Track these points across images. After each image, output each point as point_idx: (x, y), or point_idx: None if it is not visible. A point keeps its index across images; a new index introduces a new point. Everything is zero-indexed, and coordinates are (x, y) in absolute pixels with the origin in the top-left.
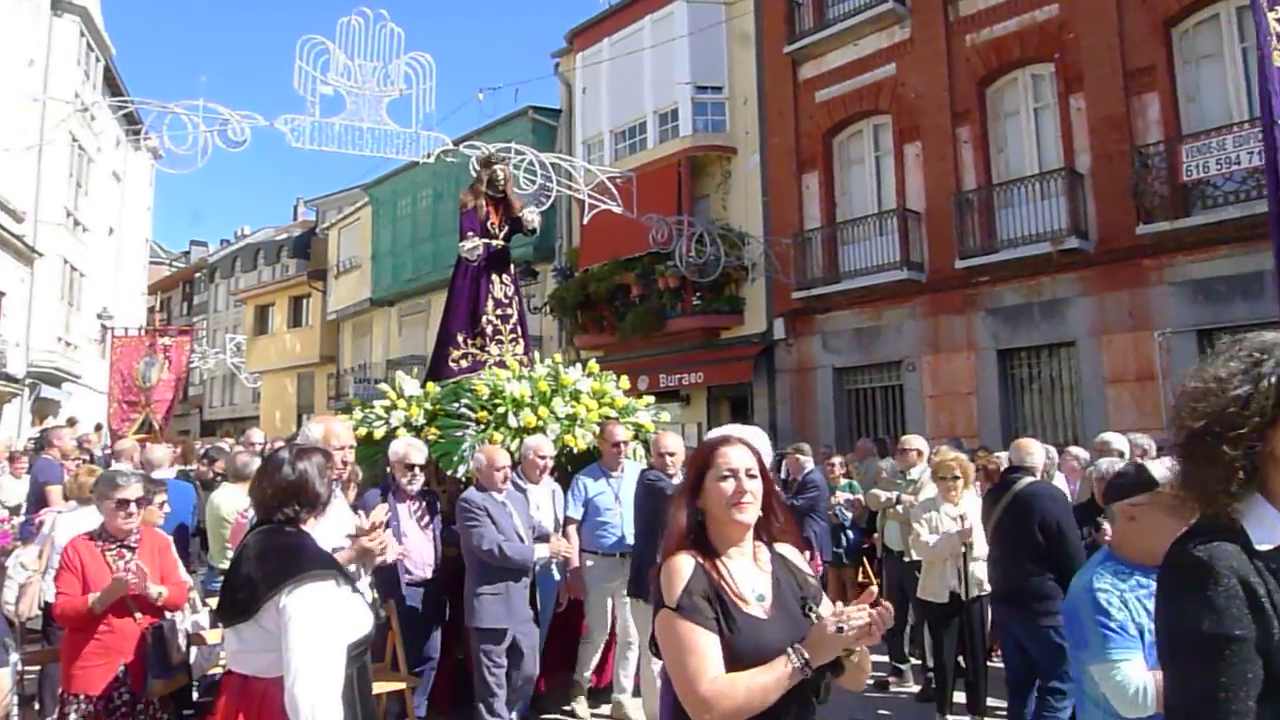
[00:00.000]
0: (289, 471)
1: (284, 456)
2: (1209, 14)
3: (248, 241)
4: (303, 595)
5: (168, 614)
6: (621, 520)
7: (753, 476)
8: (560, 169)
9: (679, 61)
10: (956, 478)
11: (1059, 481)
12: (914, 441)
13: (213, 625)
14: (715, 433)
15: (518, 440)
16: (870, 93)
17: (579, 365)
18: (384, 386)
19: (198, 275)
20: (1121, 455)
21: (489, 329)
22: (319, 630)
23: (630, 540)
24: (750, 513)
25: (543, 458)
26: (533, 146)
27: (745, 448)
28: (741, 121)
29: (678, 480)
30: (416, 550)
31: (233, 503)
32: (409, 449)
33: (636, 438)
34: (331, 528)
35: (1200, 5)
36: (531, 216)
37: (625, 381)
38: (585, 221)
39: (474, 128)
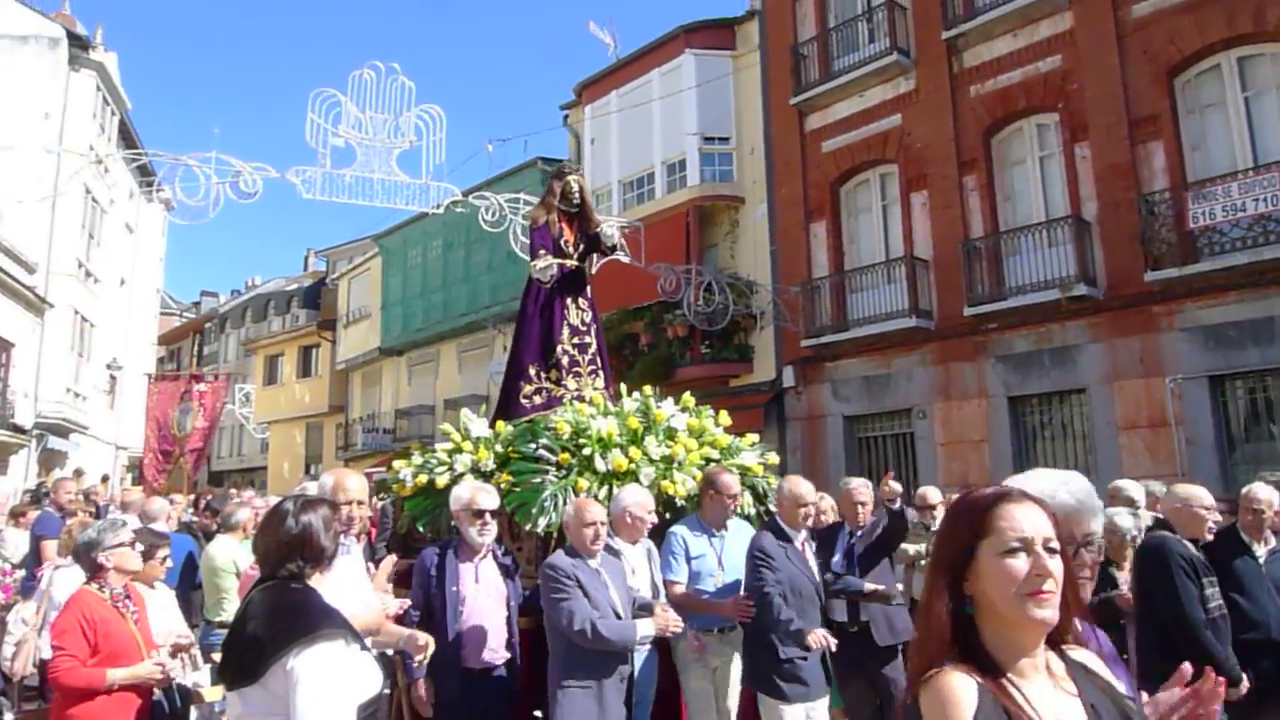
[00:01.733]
0: (293, 524)
1: (288, 509)
2: (1210, 64)
3: (258, 292)
4: (312, 657)
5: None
6: (725, 590)
7: (1053, 551)
8: None
9: (687, 113)
10: None
11: None
12: (932, 495)
13: (213, 683)
14: (991, 492)
15: (606, 487)
16: (877, 143)
17: (671, 400)
18: (446, 427)
19: (208, 325)
20: (1134, 503)
21: (565, 360)
22: (329, 693)
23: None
24: (1053, 608)
25: (644, 516)
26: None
27: (1038, 508)
28: (749, 171)
29: (802, 538)
30: (484, 622)
31: (227, 554)
32: (476, 492)
33: (742, 483)
34: (342, 585)
35: (1201, 55)
36: (611, 232)
37: (726, 417)
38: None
39: (483, 178)
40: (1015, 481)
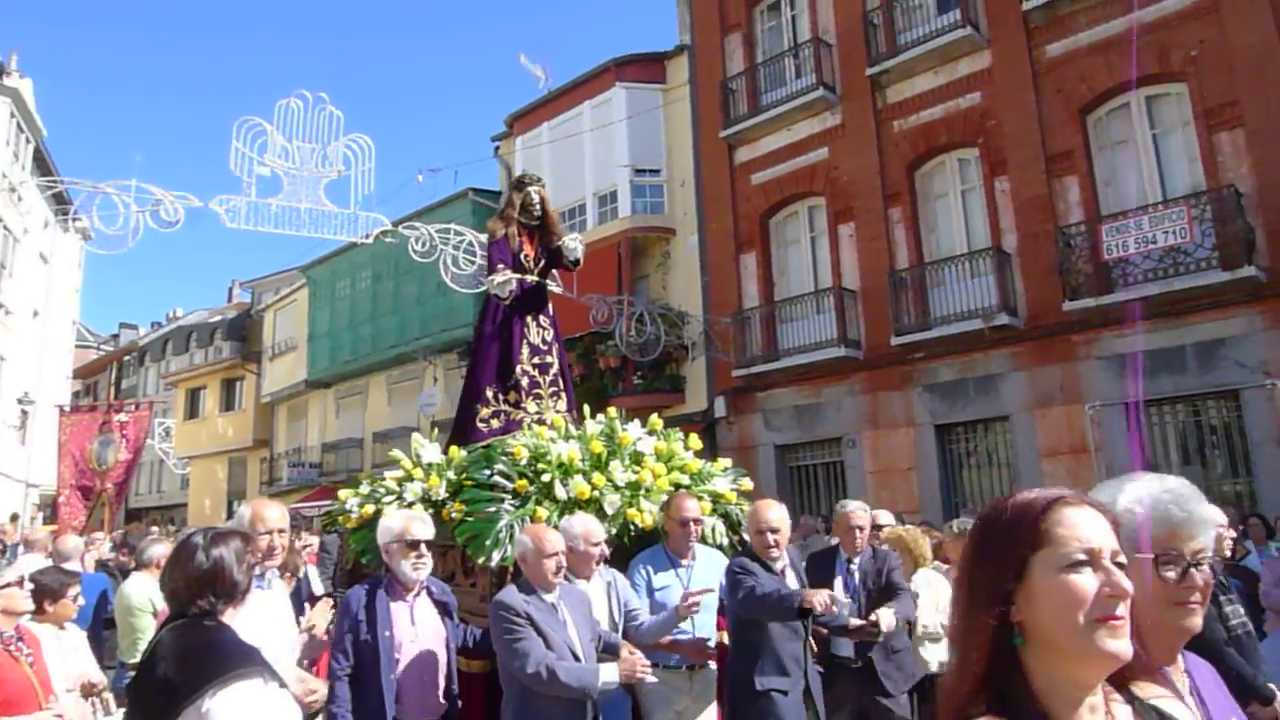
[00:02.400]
0: (202, 559)
1: (197, 542)
2: (1120, 103)
3: (180, 324)
4: (229, 698)
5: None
6: (693, 625)
7: (1121, 567)
8: None
9: (618, 145)
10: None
11: None
12: (883, 517)
13: None
14: (1042, 494)
15: (567, 516)
16: (804, 175)
17: (636, 422)
18: (396, 454)
19: (127, 358)
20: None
21: (524, 381)
22: None
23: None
24: (1127, 638)
25: (594, 545)
26: (473, 228)
27: (1099, 513)
28: (680, 203)
29: (783, 565)
30: (422, 671)
31: (143, 592)
32: (409, 521)
33: (715, 511)
34: (263, 621)
35: (1111, 94)
36: (574, 245)
37: (696, 441)
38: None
39: (414, 209)
40: (1108, 488)
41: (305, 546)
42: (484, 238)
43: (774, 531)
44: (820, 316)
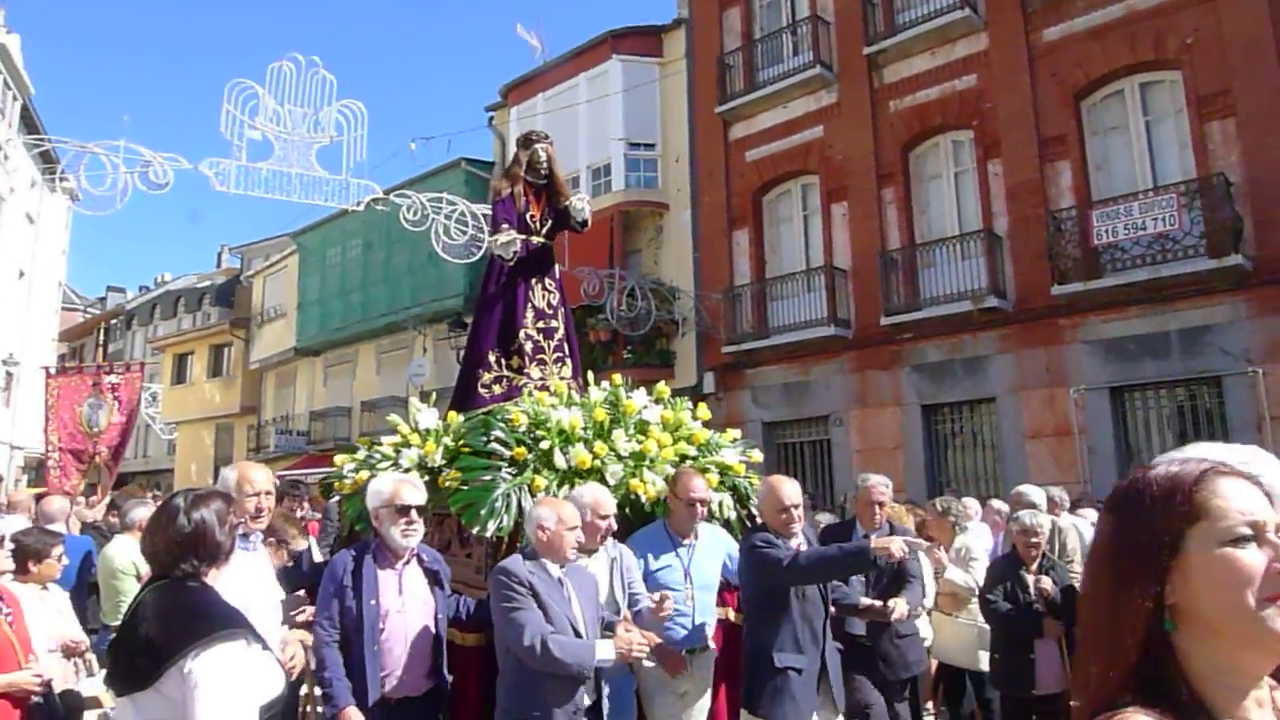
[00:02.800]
0: (184, 521)
1: (179, 505)
2: (1114, 89)
3: (168, 288)
4: (211, 659)
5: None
6: (694, 606)
7: None
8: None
9: (613, 118)
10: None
11: (983, 533)
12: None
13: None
14: (1186, 455)
15: (566, 486)
16: (799, 154)
17: (643, 390)
18: (394, 418)
19: (114, 322)
20: (1035, 507)
21: (528, 345)
22: (231, 697)
23: (709, 631)
24: None
25: (603, 517)
26: (465, 198)
27: (1252, 484)
28: (674, 178)
29: (799, 543)
30: (409, 642)
31: (126, 554)
32: (399, 485)
33: (722, 484)
34: (246, 582)
35: (1106, 80)
36: (581, 205)
37: (705, 410)
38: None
39: (406, 177)
40: (1227, 454)
41: (304, 518)
42: (477, 208)
43: (794, 507)
44: (811, 295)
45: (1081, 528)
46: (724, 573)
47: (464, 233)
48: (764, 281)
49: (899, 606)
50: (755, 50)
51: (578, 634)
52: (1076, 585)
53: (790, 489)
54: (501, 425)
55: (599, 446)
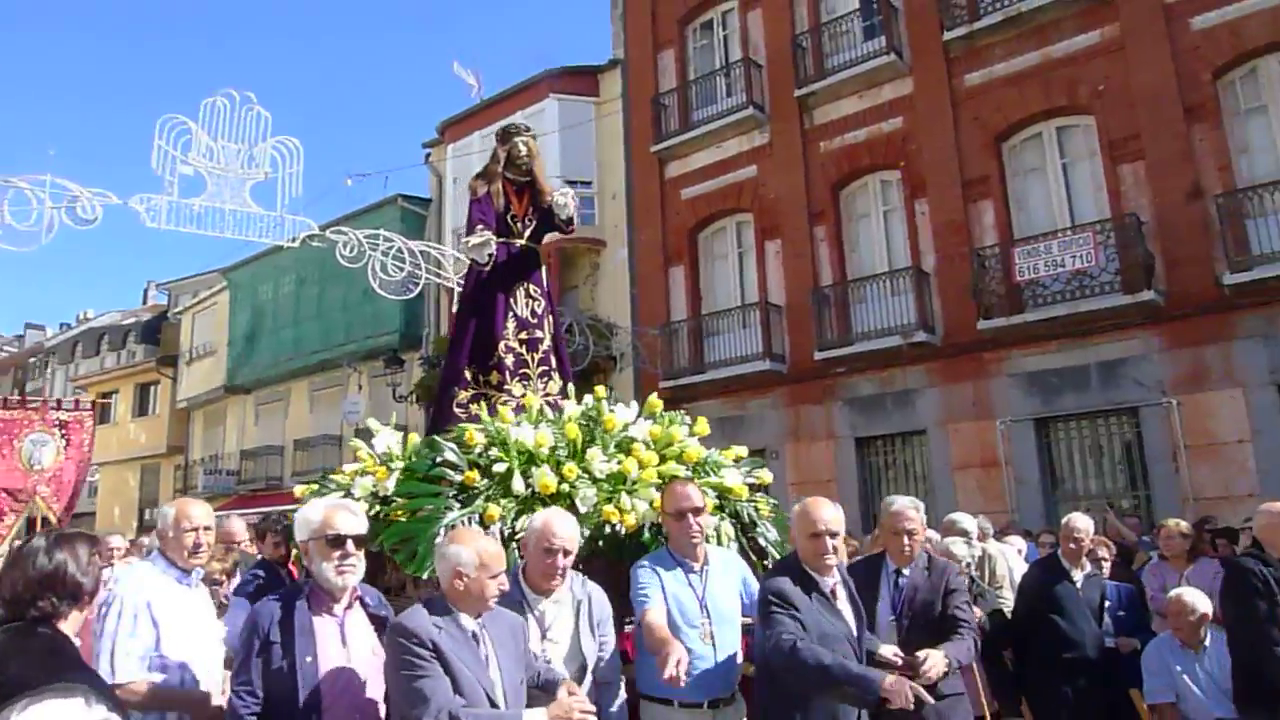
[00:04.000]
0: (44, 560)
1: (40, 544)
2: (1033, 132)
3: (90, 325)
4: (38, 713)
5: None
6: (714, 646)
7: None
8: (429, 257)
9: (549, 156)
10: None
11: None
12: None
13: None
14: None
15: (527, 517)
16: (733, 192)
17: (633, 404)
18: (356, 443)
19: (32, 360)
20: (967, 534)
21: (509, 359)
22: None
23: (736, 676)
24: None
25: (554, 548)
26: (402, 234)
27: None
28: (610, 216)
29: (834, 583)
30: (356, 707)
31: None
32: (331, 512)
33: (722, 509)
34: (184, 619)
35: (1025, 124)
36: (564, 200)
37: (704, 425)
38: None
39: (342, 213)
40: None
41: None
42: (414, 244)
43: (832, 535)
44: (746, 330)
45: (1009, 555)
46: (742, 608)
47: (401, 269)
48: (700, 317)
49: (933, 661)
50: (690, 91)
51: (493, 704)
52: (1006, 611)
53: (828, 512)
54: (452, 446)
55: (568, 468)
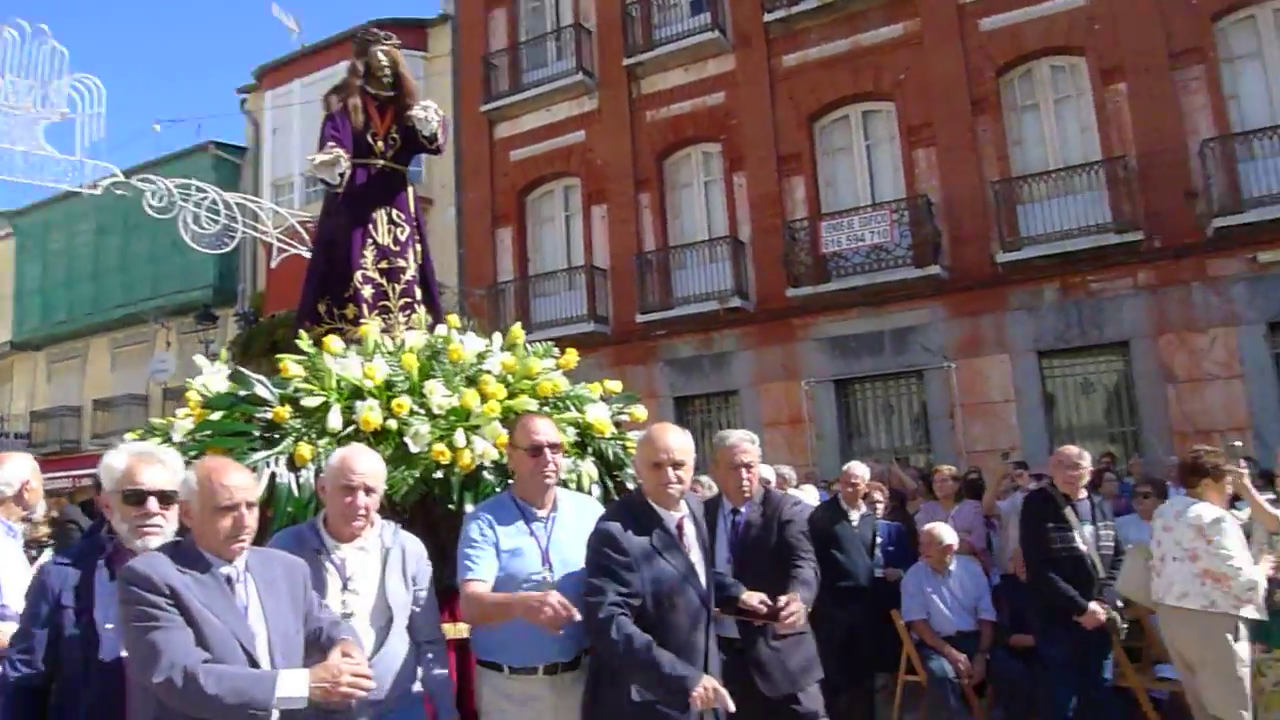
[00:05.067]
0: None
1: None
2: (841, 114)
3: None
4: None
5: None
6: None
7: None
8: (246, 209)
9: None
10: None
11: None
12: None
13: None
14: None
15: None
16: (561, 156)
17: (497, 336)
18: (190, 381)
19: None
20: (767, 482)
21: (368, 290)
22: None
23: (572, 644)
24: None
25: (353, 485)
26: (215, 184)
27: None
28: (438, 174)
29: (681, 516)
30: None
31: None
32: (135, 463)
33: (583, 446)
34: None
35: (835, 106)
36: (425, 115)
37: (573, 355)
38: (273, 265)
39: (149, 159)
40: None
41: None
42: (230, 196)
43: (676, 465)
44: (572, 293)
45: (808, 500)
46: None
47: (215, 221)
48: (527, 279)
49: (795, 609)
50: (520, 52)
51: (252, 659)
52: None
53: (674, 439)
54: (262, 380)
55: (399, 403)
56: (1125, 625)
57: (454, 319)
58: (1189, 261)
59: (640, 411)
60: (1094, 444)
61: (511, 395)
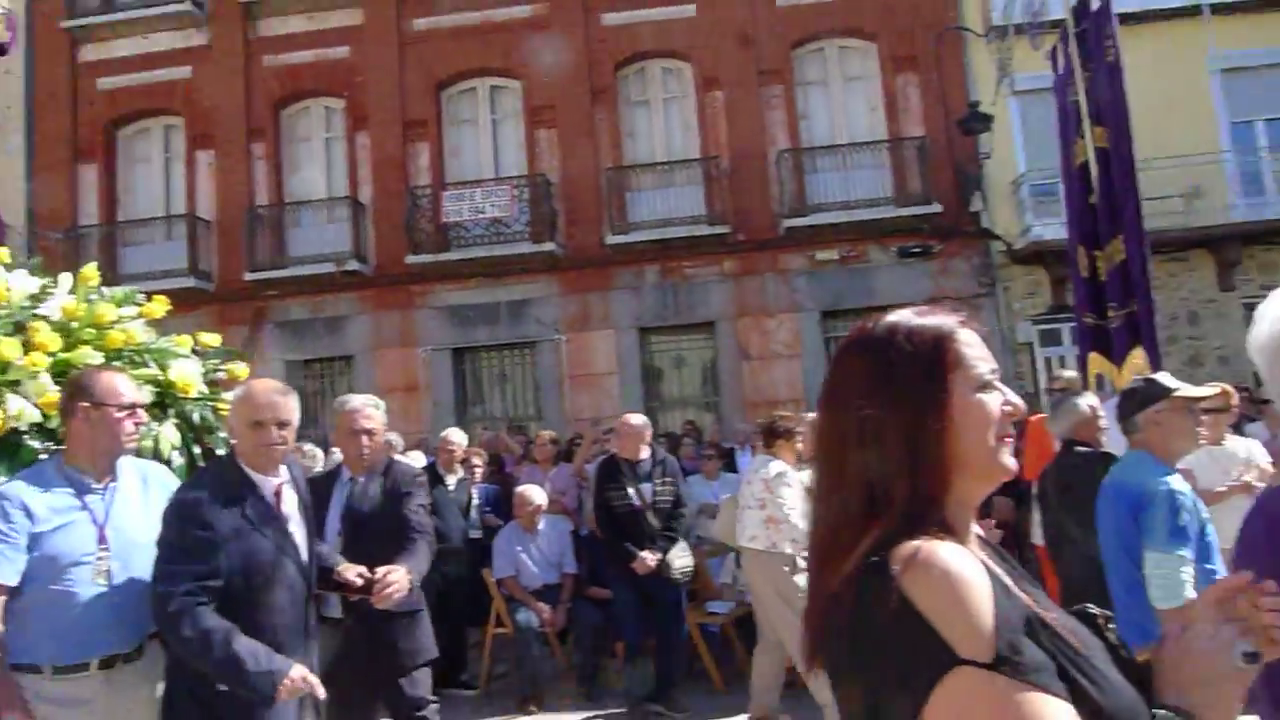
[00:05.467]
0: None
1: None
2: (470, 86)
3: None
4: None
5: None
6: (110, 584)
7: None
8: None
9: None
10: None
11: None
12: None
13: None
14: (942, 317)
15: None
16: (162, 91)
17: (68, 276)
18: None
19: None
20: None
21: None
22: None
23: (135, 630)
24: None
25: None
26: None
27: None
28: (4, 94)
29: (280, 483)
30: None
31: None
32: None
33: (164, 408)
34: None
35: (464, 76)
36: None
37: (162, 303)
38: None
39: None
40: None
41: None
42: None
43: (281, 425)
44: (171, 243)
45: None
46: None
47: None
48: (115, 225)
49: (396, 578)
50: None
51: None
52: None
53: (278, 395)
54: None
55: None
56: (684, 569)
57: (3, 251)
58: (765, 255)
59: (241, 369)
60: (685, 412)
61: (70, 347)
